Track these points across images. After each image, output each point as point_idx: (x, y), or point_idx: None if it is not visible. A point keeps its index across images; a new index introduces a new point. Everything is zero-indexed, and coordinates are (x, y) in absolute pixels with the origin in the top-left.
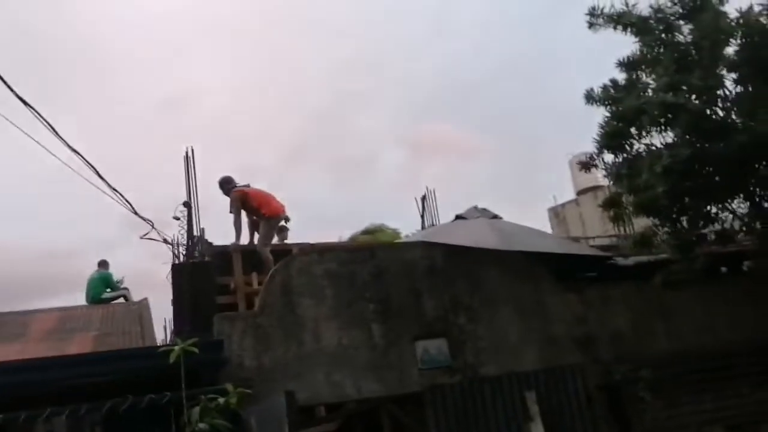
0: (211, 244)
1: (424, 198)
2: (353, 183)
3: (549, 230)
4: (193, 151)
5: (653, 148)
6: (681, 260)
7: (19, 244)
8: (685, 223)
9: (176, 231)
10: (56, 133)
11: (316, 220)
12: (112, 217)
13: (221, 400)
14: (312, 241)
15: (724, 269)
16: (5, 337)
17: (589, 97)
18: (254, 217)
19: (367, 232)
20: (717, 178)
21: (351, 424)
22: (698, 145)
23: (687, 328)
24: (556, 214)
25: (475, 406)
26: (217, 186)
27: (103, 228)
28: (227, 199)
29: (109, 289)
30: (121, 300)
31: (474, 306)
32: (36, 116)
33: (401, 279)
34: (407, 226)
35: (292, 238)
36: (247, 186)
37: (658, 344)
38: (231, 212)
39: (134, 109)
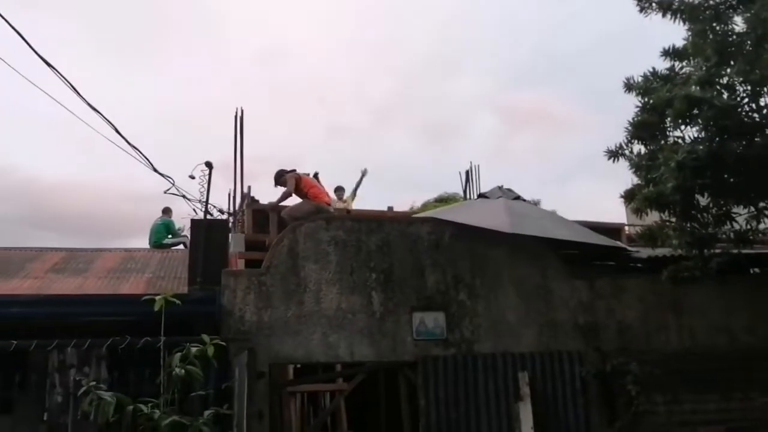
0: (255, 201)
1: (468, 172)
2: (441, 148)
3: (623, 213)
4: (243, 112)
5: (678, 141)
6: (692, 258)
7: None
8: (698, 221)
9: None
10: (78, 92)
11: (401, 183)
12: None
13: (194, 349)
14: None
15: (756, 270)
16: (71, 271)
17: (628, 86)
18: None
19: (440, 200)
20: (740, 178)
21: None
22: (720, 142)
23: (700, 327)
24: None
25: (467, 381)
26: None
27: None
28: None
29: (170, 236)
30: (181, 246)
31: (476, 284)
32: (60, 77)
33: (406, 252)
34: None
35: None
36: (306, 174)
37: (667, 340)
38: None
39: (232, 62)
